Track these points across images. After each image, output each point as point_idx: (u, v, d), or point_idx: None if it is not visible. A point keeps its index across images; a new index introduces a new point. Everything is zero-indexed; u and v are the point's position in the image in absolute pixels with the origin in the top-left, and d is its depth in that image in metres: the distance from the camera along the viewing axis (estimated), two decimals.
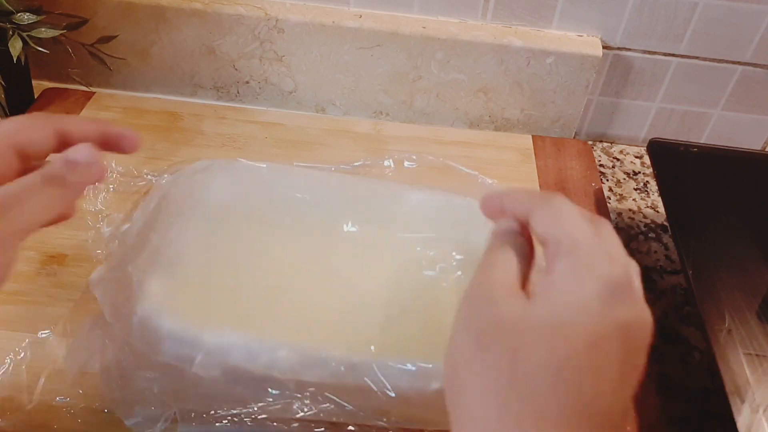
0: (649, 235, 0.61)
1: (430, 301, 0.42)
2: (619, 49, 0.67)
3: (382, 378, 0.35)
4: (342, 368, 0.35)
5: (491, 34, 0.65)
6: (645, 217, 0.63)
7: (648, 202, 0.65)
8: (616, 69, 0.68)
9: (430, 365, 0.35)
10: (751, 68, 0.66)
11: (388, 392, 0.35)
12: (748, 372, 0.43)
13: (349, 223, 0.46)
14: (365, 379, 0.35)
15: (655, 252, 0.59)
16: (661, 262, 0.58)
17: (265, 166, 0.46)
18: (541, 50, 0.65)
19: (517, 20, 0.66)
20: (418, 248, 0.45)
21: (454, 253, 0.45)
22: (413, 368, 0.35)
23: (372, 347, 0.37)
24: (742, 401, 0.41)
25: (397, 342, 0.38)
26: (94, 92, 0.69)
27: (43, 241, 0.52)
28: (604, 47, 0.66)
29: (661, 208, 0.62)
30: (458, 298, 0.37)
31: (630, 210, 0.64)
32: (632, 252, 0.59)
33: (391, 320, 0.40)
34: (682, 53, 0.66)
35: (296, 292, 0.41)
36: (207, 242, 0.42)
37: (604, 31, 0.66)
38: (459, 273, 0.44)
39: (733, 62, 0.66)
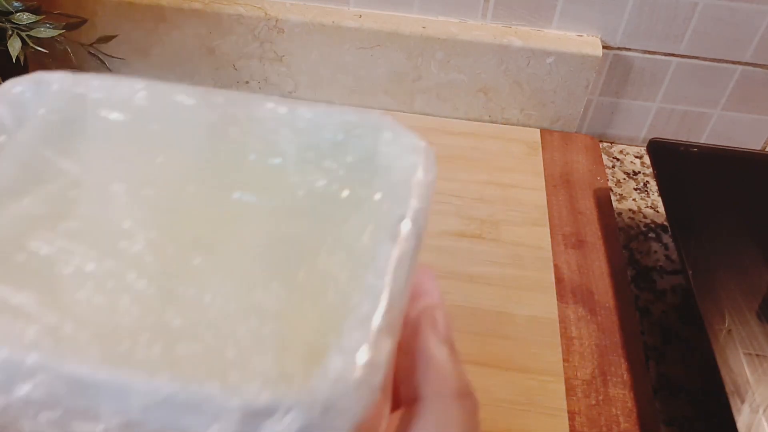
0: (649, 235, 0.61)
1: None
2: (619, 49, 0.67)
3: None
4: (144, 406, 0.18)
5: (491, 34, 0.65)
6: (645, 217, 0.63)
7: (648, 202, 0.64)
8: (616, 69, 0.68)
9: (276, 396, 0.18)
10: (751, 68, 0.66)
11: None
12: (748, 372, 0.43)
13: (203, 160, 0.26)
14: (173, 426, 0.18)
15: (655, 252, 0.59)
16: (661, 262, 0.58)
17: (98, 82, 0.27)
18: (541, 50, 0.65)
19: (517, 20, 0.66)
20: (307, 192, 0.26)
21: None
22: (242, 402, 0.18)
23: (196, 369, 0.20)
24: (742, 401, 0.41)
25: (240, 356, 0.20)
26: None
27: None
28: (604, 47, 0.66)
29: (661, 208, 0.62)
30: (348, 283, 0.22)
31: (630, 210, 0.64)
32: (632, 252, 0.59)
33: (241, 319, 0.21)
34: (682, 53, 0.66)
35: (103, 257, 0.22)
36: None
37: (604, 31, 0.66)
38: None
39: (733, 62, 0.66)
